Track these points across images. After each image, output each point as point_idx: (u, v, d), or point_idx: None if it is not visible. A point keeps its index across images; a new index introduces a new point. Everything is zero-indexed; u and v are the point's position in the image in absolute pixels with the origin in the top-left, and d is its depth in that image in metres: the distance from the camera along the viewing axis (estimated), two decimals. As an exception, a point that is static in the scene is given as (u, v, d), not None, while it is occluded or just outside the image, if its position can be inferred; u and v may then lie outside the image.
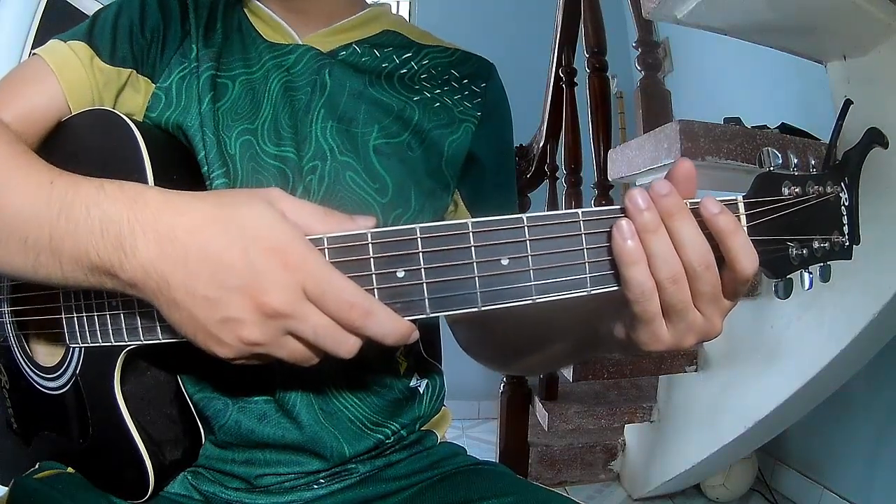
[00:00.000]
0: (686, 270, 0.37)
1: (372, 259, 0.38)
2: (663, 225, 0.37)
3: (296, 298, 0.36)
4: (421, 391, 0.62)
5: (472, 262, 0.37)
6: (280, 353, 0.38)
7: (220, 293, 0.36)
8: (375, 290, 0.38)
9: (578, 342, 0.51)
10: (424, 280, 0.37)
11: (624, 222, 0.37)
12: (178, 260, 0.36)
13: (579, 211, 0.38)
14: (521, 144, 2.09)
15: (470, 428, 2.75)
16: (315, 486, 0.56)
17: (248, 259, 0.36)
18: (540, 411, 1.78)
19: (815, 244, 0.39)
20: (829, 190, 0.39)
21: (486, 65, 0.66)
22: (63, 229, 0.38)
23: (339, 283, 0.36)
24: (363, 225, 0.39)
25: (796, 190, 0.39)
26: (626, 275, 0.37)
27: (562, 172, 1.84)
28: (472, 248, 0.37)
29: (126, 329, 0.46)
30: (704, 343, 1.70)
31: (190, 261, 0.36)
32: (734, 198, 0.38)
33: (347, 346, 0.37)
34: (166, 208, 0.37)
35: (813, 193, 0.39)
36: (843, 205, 0.40)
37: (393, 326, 0.37)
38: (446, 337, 0.69)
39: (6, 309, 0.57)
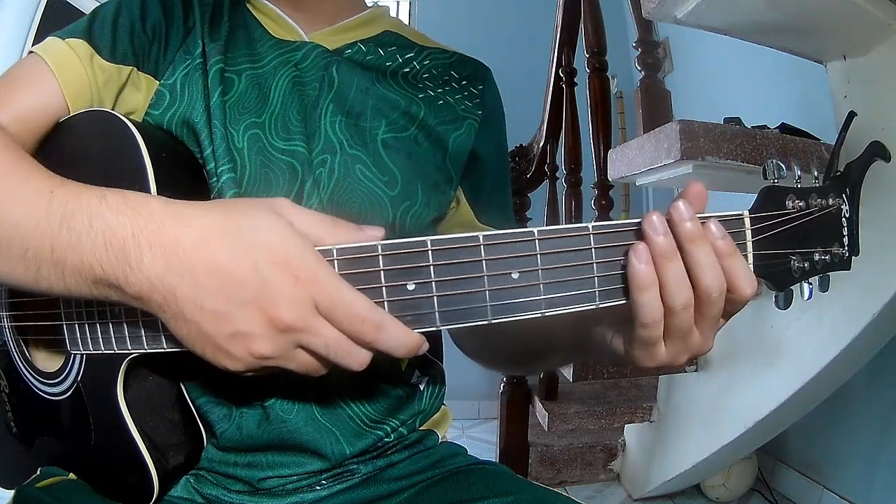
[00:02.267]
0: (699, 296, 0.37)
1: (382, 271, 0.37)
2: (679, 251, 0.37)
3: (307, 312, 0.36)
4: (422, 388, 0.63)
5: (483, 276, 0.37)
6: (290, 365, 0.38)
7: (229, 307, 0.35)
8: (385, 303, 0.37)
9: (575, 347, 0.52)
10: (435, 293, 0.37)
11: (641, 247, 0.36)
12: (186, 273, 0.35)
13: (589, 225, 0.38)
14: (521, 144, 2.09)
15: (470, 428, 2.75)
16: (317, 488, 0.56)
17: (258, 273, 0.35)
18: (540, 411, 1.78)
19: (817, 256, 0.40)
20: (830, 202, 0.40)
21: (483, 68, 0.68)
22: (65, 241, 0.37)
23: (350, 297, 0.36)
24: (372, 235, 0.39)
25: (800, 203, 0.39)
26: (638, 299, 0.37)
27: (562, 172, 1.84)
28: (483, 262, 0.37)
29: (129, 337, 0.45)
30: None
31: (198, 274, 0.35)
32: (740, 213, 0.39)
33: (359, 360, 0.37)
34: (172, 220, 0.36)
35: (815, 206, 0.39)
36: (844, 216, 0.41)
37: (404, 339, 0.37)
38: (448, 336, 0.69)
39: (5, 314, 0.57)
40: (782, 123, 1.34)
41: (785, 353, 1.35)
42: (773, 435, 1.59)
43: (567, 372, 1.56)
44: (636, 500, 1.87)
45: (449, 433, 0.68)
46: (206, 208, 0.38)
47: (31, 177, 0.40)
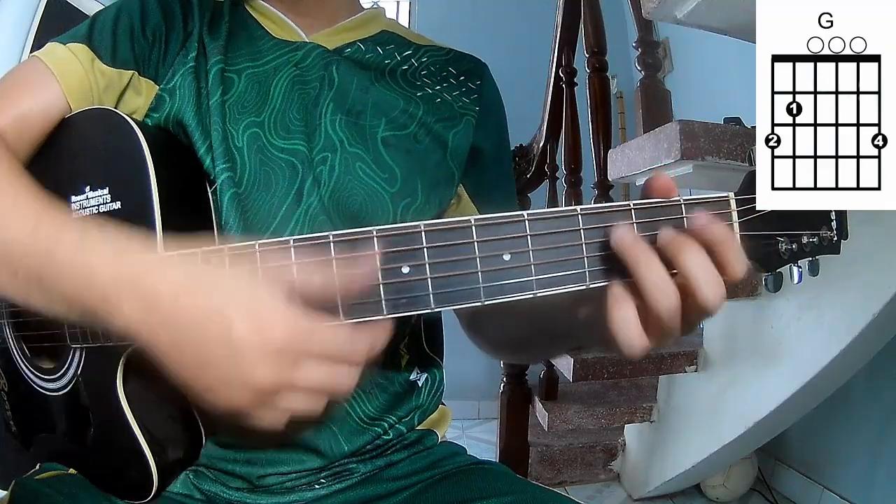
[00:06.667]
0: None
1: (377, 255, 0.38)
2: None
3: (285, 371, 0.36)
4: (420, 384, 0.63)
5: (475, 258, 0.38)
6: (277, 413, 0.38)
7: (206, 368, 0.36)
8: (381, 286, 0.38)
9: (567, 328, 0.51)
10: (429, 276, 0.38)
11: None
12: (163, 325, 0.36)
13: (578, 207, 0.39)
14: (521, 144, 2.09)
15: (470, 428, 2.75)
16: (317, 486, 0.56)
17: (229, 338, 0.35)
18: (540, 411, 1.78)
19: (804, 239, 0.40)
20: None
21: (480, 63, 0.69)
22: (52, 273, 0.38)
23: (324, 337, 0.36)
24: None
25: None
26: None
27: (562, 172, 1.84)
28: (475, 244, 0.38)
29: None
30: (704, 343, 1.68)
31: (175, 329, 0.36)
32: (726, 195, 0.39)
33: (345, 387, 0.38)
34: (148, 269, 0.37)
35: None
36: None
37: (376, 339, 0.38)
38: (448, 335, 0.69)
39: (4, 310, 0.57)
40: (782, 123, 1.34)
41: (785, 353, 1.34)
42: (773, 435, 1.59)
43: (567, 372, 1.56)
44: (636, 500, 1.87)
45: (449, 433, 0.68)
46: (184, 259, 0.38)
47: (18, 203, 0.41)
